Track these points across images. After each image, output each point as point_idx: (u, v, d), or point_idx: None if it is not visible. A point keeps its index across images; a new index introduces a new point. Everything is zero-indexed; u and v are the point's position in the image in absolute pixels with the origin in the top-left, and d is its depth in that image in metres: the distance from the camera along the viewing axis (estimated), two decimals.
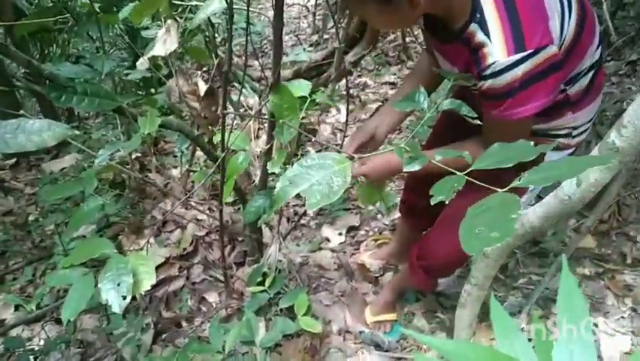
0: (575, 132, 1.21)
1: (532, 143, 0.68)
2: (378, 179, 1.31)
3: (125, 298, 0.96)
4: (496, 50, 0.94)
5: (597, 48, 1.12)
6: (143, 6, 1.01)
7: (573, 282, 0.43)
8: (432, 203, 0.69)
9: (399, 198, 2.23)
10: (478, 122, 1.00)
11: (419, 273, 1.46)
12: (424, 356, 1.36)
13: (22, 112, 1.47)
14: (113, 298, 0.96)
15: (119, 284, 0.97)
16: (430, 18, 1.09)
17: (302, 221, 2.33)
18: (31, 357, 1.70)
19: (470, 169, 0.71)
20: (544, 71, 0.94)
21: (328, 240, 2.21)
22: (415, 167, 0.83)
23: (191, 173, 2.65)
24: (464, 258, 1.39)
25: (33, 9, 3.20)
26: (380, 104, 3.44)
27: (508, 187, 0.61)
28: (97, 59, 1.71)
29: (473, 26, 0.98)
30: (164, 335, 1.83)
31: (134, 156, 2.58)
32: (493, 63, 0.95)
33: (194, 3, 1.56)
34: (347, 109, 1.79)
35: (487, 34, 0.95)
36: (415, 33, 3.87)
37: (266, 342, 1.42)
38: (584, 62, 1.08)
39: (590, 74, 1.11)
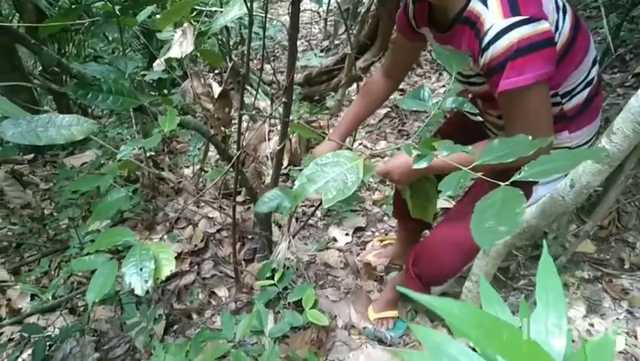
0: None
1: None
2: (402, 179, 1.29)
3: (147, 282, 1.03)
4: (492, 14, 1.01)
5: (592, 66, 1.17)
6: (169, 13, 1.08)
7: (550, 264, 0.50)
8: (440, 197, 0.73)
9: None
10: (480, 118, 1.05)
11: (414, 280, 1.50)
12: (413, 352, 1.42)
13: (46, 108, 1.54)
14: (136, 281, 1.03)
15: (141, 269, 1.05)
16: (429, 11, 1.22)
17: (310, 221, 2.40)
18: (48, 344, 1.77)
19: (473, 164, 0.74)
20: (539, 42, 0.98)
21: (335, 240, 2.28)
22: (423, 164, 0.87)
23: (203, 172, 2.73)
24: (454, 270, 1.43)
25: (54, 10, 3.30)
26: (389, 109, 3.51)
27: (508, 181, 0.65)
28: (119, 59, 1.79)
29: (473, 2, 1.06)
30: (175, 326, 1.90)
31: (147, 155, 2.66)
32: (490, 27, 1.00)
33: (213, 9, 1.64)
34: None
35: (484, 3, 1.03)
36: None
37: (275, 333, 1.48)
38: (579, 74, 1.13)
39: (586, 91, 1.16)
